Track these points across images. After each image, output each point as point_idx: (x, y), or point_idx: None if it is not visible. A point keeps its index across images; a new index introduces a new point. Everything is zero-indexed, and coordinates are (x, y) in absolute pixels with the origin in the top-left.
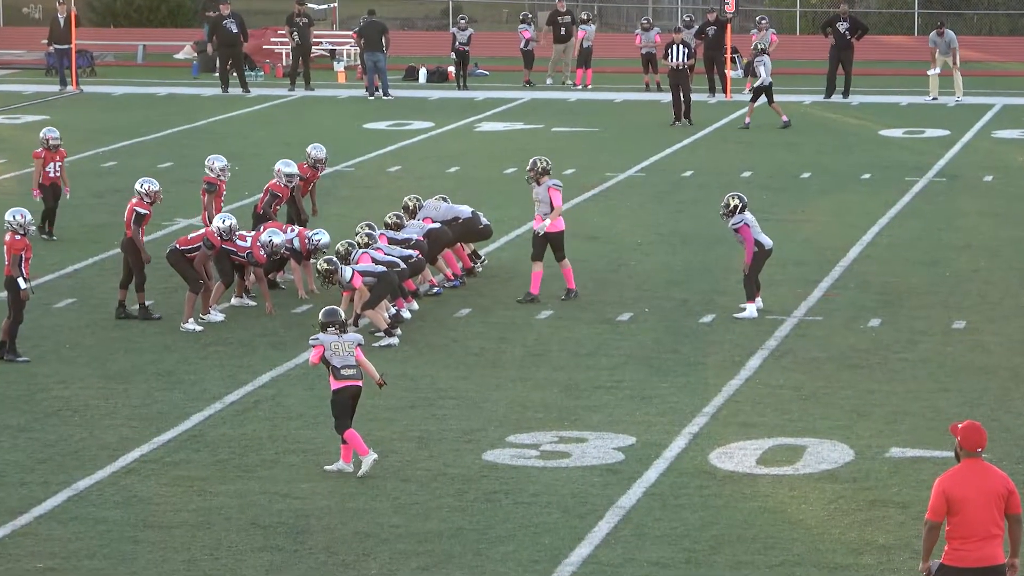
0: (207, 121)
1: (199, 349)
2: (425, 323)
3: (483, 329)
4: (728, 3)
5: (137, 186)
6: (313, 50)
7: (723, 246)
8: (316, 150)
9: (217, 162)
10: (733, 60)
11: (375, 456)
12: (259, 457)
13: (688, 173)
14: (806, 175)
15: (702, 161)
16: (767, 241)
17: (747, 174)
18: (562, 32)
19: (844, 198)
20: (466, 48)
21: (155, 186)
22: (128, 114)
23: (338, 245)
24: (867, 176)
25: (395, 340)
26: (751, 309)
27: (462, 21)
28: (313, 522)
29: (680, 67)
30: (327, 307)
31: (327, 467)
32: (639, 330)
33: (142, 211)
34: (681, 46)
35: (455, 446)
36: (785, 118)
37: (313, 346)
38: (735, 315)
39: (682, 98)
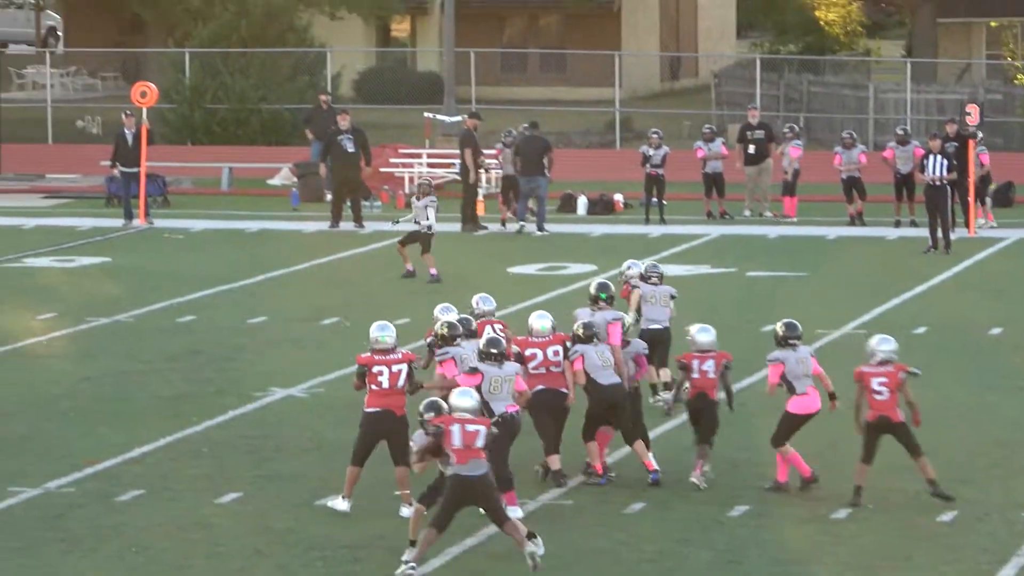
0: (310, 264)
1: None
2: (584, 517)
3: (659, 527)
4: (970, 113)
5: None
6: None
7: (964, 420)
8: (485, 302)
9: (444, 313)
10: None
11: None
12: None
13: (921, 330)
14: None
15: (938, 314)
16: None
17: (996, 331)
18: (751, 150)
19: None
20: (660, 171)
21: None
22: (210, 255)
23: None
24: None
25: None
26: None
27: (655, 136)
28: None
29: (938, 183)
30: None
31: None
32: (860, 531)
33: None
34: (940, 156)
35: None
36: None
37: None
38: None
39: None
